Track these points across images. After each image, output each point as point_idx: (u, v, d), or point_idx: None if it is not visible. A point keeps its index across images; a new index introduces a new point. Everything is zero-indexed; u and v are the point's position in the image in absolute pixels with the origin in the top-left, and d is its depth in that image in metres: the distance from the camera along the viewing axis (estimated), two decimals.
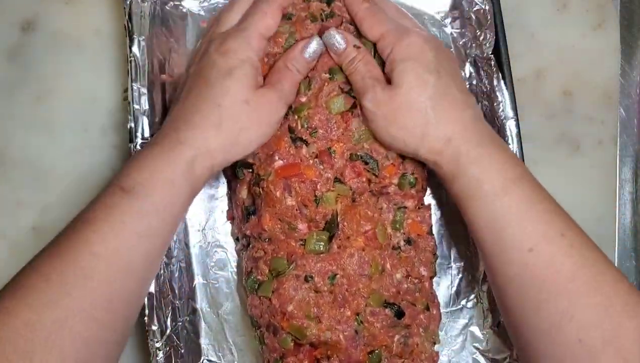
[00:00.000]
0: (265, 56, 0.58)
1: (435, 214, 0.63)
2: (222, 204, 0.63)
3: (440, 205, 0.64)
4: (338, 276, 0.55)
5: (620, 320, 0.45)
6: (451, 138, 0.52)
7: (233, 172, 0.60)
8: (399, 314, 0.55)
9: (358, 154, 0.56)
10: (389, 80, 0.54)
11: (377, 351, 0.54)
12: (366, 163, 0.57)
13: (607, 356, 0.45)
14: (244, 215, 0.58)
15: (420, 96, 0.52)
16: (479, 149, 0.52)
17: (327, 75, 0.57)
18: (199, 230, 0.63)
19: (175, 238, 0.60)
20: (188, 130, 0.51)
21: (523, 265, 0.48)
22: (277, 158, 0.56)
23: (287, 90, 0.55)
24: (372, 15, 0.57)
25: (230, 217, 0.62)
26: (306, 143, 0.56)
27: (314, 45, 0.55)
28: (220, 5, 0.66)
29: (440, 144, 0.52)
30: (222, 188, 0.64)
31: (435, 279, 0.60)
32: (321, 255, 0.55)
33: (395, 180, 0.57)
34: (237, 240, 0.62)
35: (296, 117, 0.57)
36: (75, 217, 0.49)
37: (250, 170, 0.57)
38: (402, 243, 0.57)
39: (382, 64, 0.56)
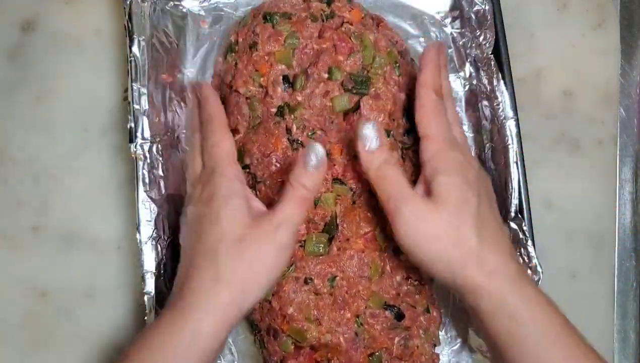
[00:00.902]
0: (266, 55, 0.58)
1: None
2: None
3: None
4: (338, 278, 0.55)
5: None
6: (494, 272, 0.48)
7: None
8: (399, 316, 0.55)
9: None
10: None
11: (377, 353, 0.54)
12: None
13: None
14: None
15: (467, 217, 0.49)
16: (521, 287, 0.48)
17: (326, 75, 0.57)
18: None
19: (175, 239, 0.60)
20: (190, 295, 0.47)
21: None
22: (274, 160, 0.56)
23: (289, 213, 0.49)
24: (434, 112, 0.53)
25: None
26: (303, 145, 0.56)
27: (313, 157, 0.49)
28: (220, 5, 0.66)
29: (482, 276, 0.48)
30: None
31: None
32: (320, 257, 0.55)
33: None
34: None
35: (292, 116, 0.57)
36: None
37: (248, 170, 0.57)
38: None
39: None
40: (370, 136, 0.50)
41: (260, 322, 0.57)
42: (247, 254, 0.48)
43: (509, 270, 0.48)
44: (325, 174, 0.56)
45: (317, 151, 0.49)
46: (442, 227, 0.48)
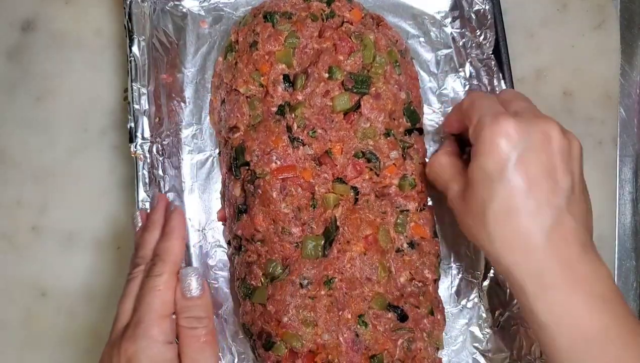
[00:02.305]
0: (266, 54, 0.58)
1: (435, 215, 0.63)
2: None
3: (440, 205, 0.64)
4: (336, 280, 0.55)
5: None
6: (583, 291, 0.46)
7: (228, 170, 0.60)
8: (403, 317, 0.55)
9: (362, 151, 0.56)
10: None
11: (379, 355, 0.54)
12: (369, 160, 0.57)
13: None
14: (236, 213, 0.58)
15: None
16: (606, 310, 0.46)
17: (326, 75, 0.57)
18: (199, 230, 0.63)
19: None
20: None
21: None
22: (274, 158, 0.56)
23: (199, 359, 0.46)
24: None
25: (222, 218, 0.62)
26: (303, 143, 0.56)
27: (189, 280, 0.47)
28: (220, 5, 0.66)
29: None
30: None
31: None
32: (317, 259, 0.55)
33: (396, 181, 0.57)
34: (228, 243, 0.62)
35: (293, 115, 0.57)
36: None
37: (247, 167, 0.57)
38: (405, 246, 0.57)
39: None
40: None
41: (252, 326, 0.56)
42: None
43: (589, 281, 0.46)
44: (326, 174, 0.56)
45: (194, 273, 0.47)
46: (515, 200, 0.46)
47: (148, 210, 0.55)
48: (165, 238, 0.51)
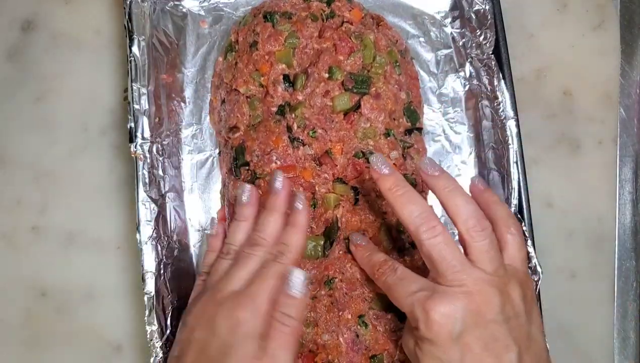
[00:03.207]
0: (266, 54, 0.58)
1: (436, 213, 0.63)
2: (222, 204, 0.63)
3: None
4: (336, 280, 0.55)
5: None
6: None
7: (228, 170, 0.60)
8: (403, 318, 0.55)
9: (363, 151, 0.56)
10: None
11: (379, 356, 0.54)
12: (369, 161, 0.56)
13: None
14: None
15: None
16: None
17: (326, 75, 0.57)
18: (198, 230, 0.63)
19: (175, 238, 0.60)
20: None
21: None
22: (274, 158, 0.56)
23: (277, 355, 0.46)
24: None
25: (222, 218, 0.62)
26: (303, 143, 0.56)
27: (297, 279, 0.48)
28: (220, 5, 0.66)
29: None
30: None
31: None
32: (318, 259, 0.55)
33: None
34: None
35: (293, 115, 0.57)
36: None
37: (247, 167, 0.57)
38: (406, 246, 0.57)
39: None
40: None
41: None
42: None
43: None
44: (327, 174, 0.56)
45: (299, 276, 0.48)
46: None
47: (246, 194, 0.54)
48: (295, 230, 0.51)
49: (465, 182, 0.65)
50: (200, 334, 0.49)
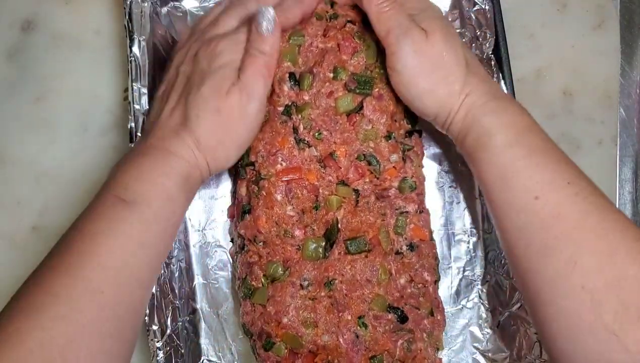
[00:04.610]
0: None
1: (435, 214, 0.63)
2: (222, 204, 0.63)
3: (441, 204, 0.64)
4: (336, 281, 0.55)
5: (623, 266, 0.45)
6: (470, 92, 0.52)
7: (236, 170, 0.60)
8: (403, 318, 0.55)
9: (364, 153, 0.56)
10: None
11: (379, 356, 0.54)
12: (370, 163, 0.57)
13: (609, 302, 0.44)
14: (240, 213, 0.58)
15: (456, 47, 0.53)
16: (492, 102, 0.52)
17: (331, 75, 0.57)
18: (199, 230, 0.63)
19: (175, 238, 0.60)
20: (176, 140, 0.51)
21: (530, 213, 0.49)
22: (280, 159, 0.56)
23: (250, 82, 0.52)
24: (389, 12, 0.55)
25: (231, 215, 0.62)
26: (309, 145, 0.56)
27: (263, 19, 0.52)
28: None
29: (460, 97, 0.52)
30: (222, 188, 0.64)
31: None
32: (318, 261, 0.55)
33: (396, 183, 0.57)
34: (232, 241, 0.62)
35: (300, 116, 0.57)
36: (72, 229, 0.48)
37: (252, 167, 0.57)
38: (404, 248, 0.57)
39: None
40: None
41: (252, 326, 0.56)
42: (224, 125, 0.52)
43: (483, 87, 0.53)
44: (331, 176, 0.56)
45: (268, 13, 0.52)
46: (436, 58, 0.52)
47: None
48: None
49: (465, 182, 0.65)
50: (185, 68, 0.55)
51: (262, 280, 0.56)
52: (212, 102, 0.51)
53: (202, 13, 0.66)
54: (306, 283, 0.54)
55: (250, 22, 0.54)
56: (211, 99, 0.51)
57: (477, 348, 0.62)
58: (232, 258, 0.62)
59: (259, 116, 0.54)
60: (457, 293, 0.63)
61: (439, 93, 0.53)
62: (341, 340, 0.54)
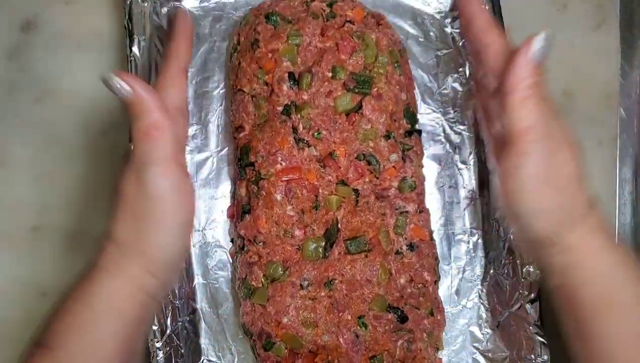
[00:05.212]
0: (269, 52, 0.58)
1: (435, 214, 0.63)
2: (222, 204, 0.63)
3: (439, 207, 0.64)
4: (336, 281, 0.55)
5: None
6: (590, 228, 0.47)
7: (237, 170, 0.60)
8: (403, 318, 0.55)
9: (363, 153, 0.56)
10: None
11: (379, 356, 0.54)
12: (369, 163, 0.57)
13: None
14: (240, 213, 0.58)
15: (583, 171, 0.48)
16: (614, 248, 0.47)
17: (330, 74, 0.57)
18: (199, 230, 0.63)
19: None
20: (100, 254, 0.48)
21: None
22: (279, 158, 0.56)
23: (138, 148, 0.47)
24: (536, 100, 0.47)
25: (231, 215, 0.62)
26: (309, 145, 0.56)
27: (113, 89, 0.46)
28: (220, 5, 0.66)
29: (578, 229, 0.46)
30: (222, 188, 0.64)
31: None
32: (318, 261, 0.55)
33: (396, 183, 0.57)
34: (232, 241, 0.62)
35: (299, 116, 0.57)
36: None
37: (252, 167, 0.57)
38: (404, 248, 0.57)
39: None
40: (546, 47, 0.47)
41: (252, 326, 0.56)
42: (131, 215, 0.47)
43: (605, 229, 0.46)
44: (330, 176, 0.56)
45: (114, 81, 0.46)
46: (568, 176, 0.46)
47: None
48: (171, 39, 0.55)
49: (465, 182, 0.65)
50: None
51: (262, 280, 0.56)
52: (116, 189, 0.47)
53: (201, 13, 0.66)
54: (306, 283, 0.54)
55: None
56: (116, 188, 0.48)
57: (477, 348, 0.62)
58: (232, 258, 0.62)
59: (174, 179, 0.47)
60: (457, 293, 0.63)
61: (556, 217, 0.46)
62: (341, 340, 0.54)
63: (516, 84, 0.46)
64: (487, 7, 0.62)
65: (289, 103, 0.57)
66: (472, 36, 0.53)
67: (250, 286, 0.56)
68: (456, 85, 0.66)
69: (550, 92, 0.67)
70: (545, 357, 0.57)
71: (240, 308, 0.58)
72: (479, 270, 0.63)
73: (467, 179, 0.64)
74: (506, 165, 0.47)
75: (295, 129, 0.57)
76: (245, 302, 0.57)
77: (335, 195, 0.56)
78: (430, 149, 0.64)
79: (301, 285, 0.54)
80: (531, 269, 0.57)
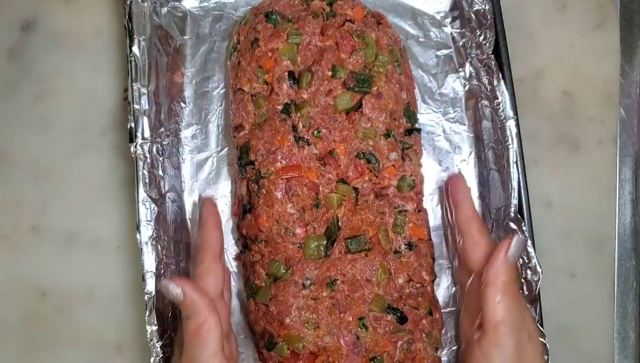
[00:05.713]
0: (268, 51, 0.58)
1: (435, 214, 0.63)
2: (222, 204, 0.63)
3: (440, 205, 0.64)
4: (338, 282, 0.55)
5: None
6: None
7: (235, 169, 0.60)
8: (402, 319, 0.55)
9: (363, 152, 0.56)
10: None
11: (379, 357, 0.54)
12: (369, 161, 0.57)
13: None
14: (241, 212, 0.58)
15: None
16: None
17: (330, 73, 0.57)
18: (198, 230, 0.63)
19: (175, 238, 0.60)
20: None
21: None
22: (279, 157, 0.56)
23: (188, 347, 0.50)
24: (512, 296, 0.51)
25: (235, 213, 0.62)
26: (308, 143, 0.56)
27: (168, 294, 0.51)
28: (220, 5, 0.67)
29: None
30: (222, 188, 0.64)
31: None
32: (320, 260, 0.55)
33: (395, 182, 0.57)
34: (237, 240, 0.62)
35: (299, 114, 0.57)
36: None
37: (252, 166, 0.57)
38: (402, 247, 0.57)
39: None
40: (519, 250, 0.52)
41: (255, 325, 0.56)
42: None
43: None
44: (331, 174, 0.56)
45: (170, 288, 0.50)
46: None
47: None
48: (201, 228, 0.57)
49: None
50: None
51: (265, 279, 0.56)
52: None
53: (202, 13, 0.66)
54: (308, 282, 0.54)
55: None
56: None
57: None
58: (238, 258, 0.62)
59: None
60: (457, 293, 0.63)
61: None
62: (342, 341, 0.53)
63: (494, 279, 0.51)
64: (487, 7, 0.62)
65: (289, 102, 0.57)
66: (457, 220, 0.58)
67: (253, 285, 0.56)
68: (456, 85, 0.66)
69: (550, 92, 0.68)
70: (545, 357, 0.57)
71: (240, 308, 0.58)
72: None
73: (468, 179, 0.64)
74: (479, 350, 0.51)
75: (295, 128, 0.57)
76: (249, 301, 0.57)
77: (336, 193, 0.56)
78: (430, 149, 0.64)
79: (303, 284, 0.54)
80: (529, 271, 0.57)
